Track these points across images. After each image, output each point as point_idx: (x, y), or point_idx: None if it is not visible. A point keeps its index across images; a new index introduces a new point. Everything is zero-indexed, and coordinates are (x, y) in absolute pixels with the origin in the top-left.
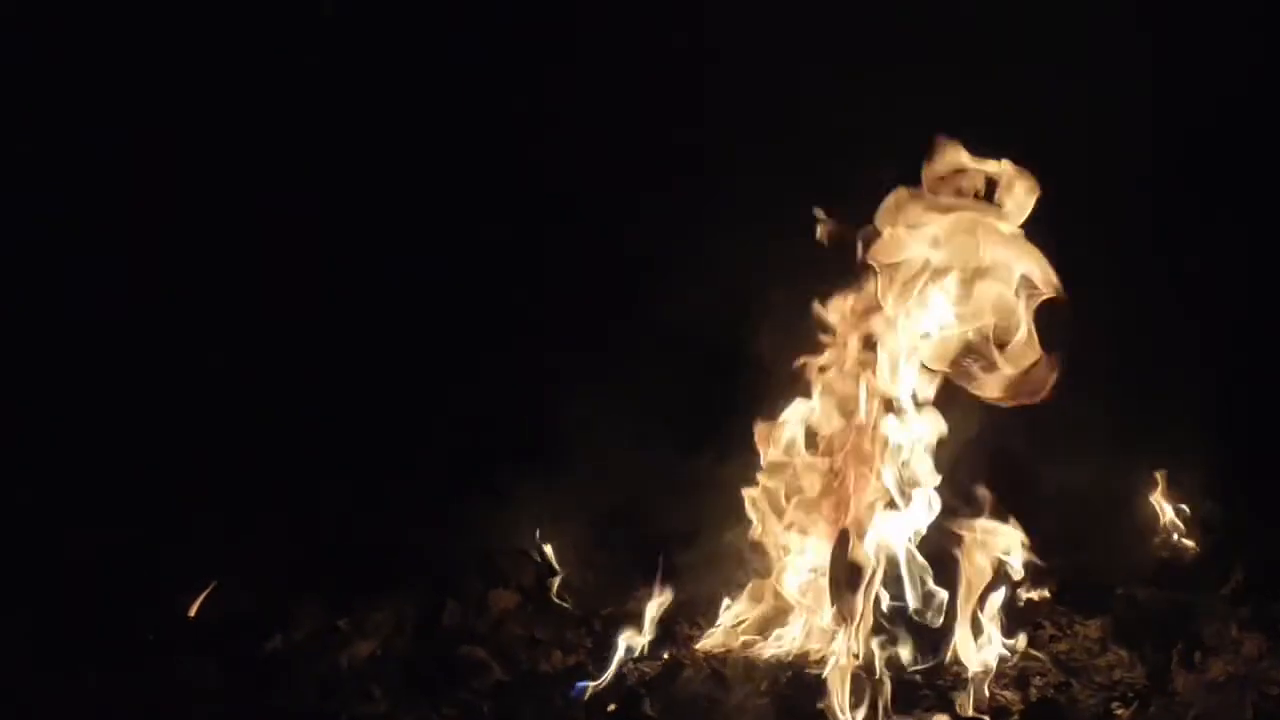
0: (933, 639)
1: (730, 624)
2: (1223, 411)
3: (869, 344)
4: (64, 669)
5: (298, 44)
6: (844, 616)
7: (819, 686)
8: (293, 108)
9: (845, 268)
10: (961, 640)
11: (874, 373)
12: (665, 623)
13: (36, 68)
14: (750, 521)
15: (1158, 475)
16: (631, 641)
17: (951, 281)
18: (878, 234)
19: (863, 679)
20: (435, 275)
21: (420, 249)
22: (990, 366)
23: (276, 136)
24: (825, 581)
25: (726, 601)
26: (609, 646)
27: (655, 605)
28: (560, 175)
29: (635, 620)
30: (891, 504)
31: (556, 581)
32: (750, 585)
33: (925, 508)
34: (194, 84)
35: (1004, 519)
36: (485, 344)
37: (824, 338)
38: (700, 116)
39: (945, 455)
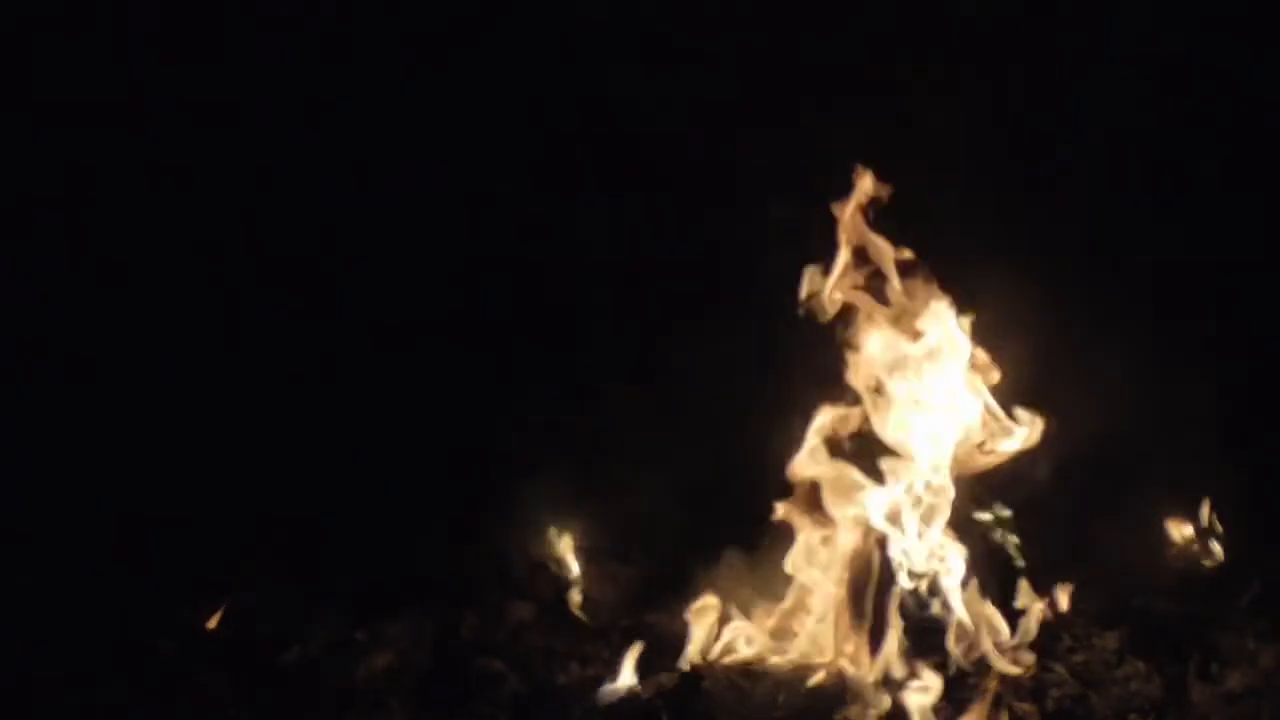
0: (951, 649)
1: (749, 636)
2: (1241, 422)
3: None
4: (80, 681)
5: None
6: (863, 628)
7: (838, 698)
8: (302, 106)
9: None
10: (981, 650)
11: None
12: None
13: (30, 65)
14: (771, 533)
15: (1175, 487)
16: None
17: None
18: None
19: (882, 690)
20: (453, 285)
21: (438, 256)
22: None
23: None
24: (845, 593)
25: (746, 613)
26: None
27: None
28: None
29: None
30: (912, 514)
31: (574, 593)
32: (769, 597)
33: (945, 518)
34: (203, 83)
35: (1021, 530)
36: (504, 354)
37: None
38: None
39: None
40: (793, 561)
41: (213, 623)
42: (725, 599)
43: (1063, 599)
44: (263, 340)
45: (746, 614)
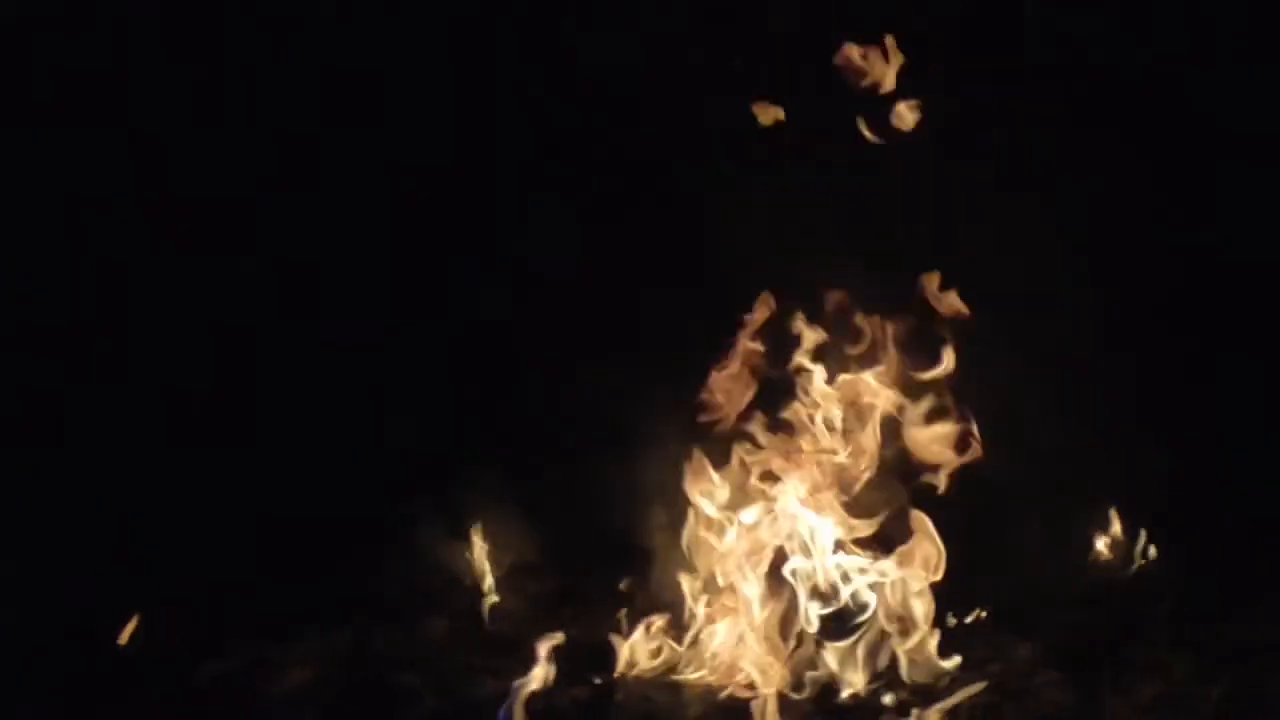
0: (863, 662)
1: (662, 649)
2: (1156, 434)
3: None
4: None
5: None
6: (777, 641)
7: (748, 710)
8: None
9: None
10: (893, 663)
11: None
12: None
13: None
14: (681, 545)
15: (1090, 499)
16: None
17: None
18: None
19: (792, 703)
20: (362, 301)
21: (354, 271)
22: None
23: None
24: (759, 606)
25: (657, 626)
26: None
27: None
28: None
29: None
30: (821, 526)
31: (488, 608)
32: (680, 609)
33: (855, 529)
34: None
35: (932, 540)
36: (418, 369)
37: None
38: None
39: (874, 475)
40: (707, 575)
41: (126, 640)
42: (639, 611)
43: (978, 609)
44: (173, 355)
45: (660, 627)
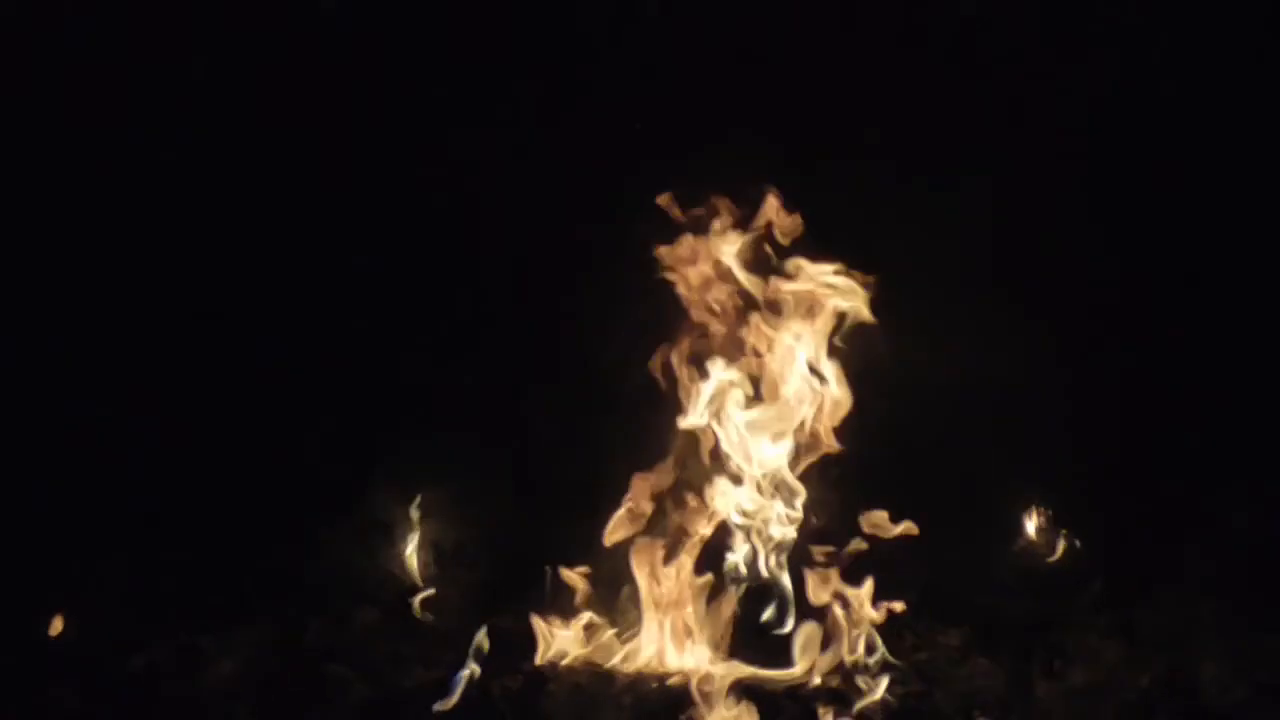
0: (793, 649)
1: (594, 638)
2: (1081, 420)
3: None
4: None
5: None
6: (708, 631)
7: (681, 698)
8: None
9: None
10: (823, 650)
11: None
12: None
13: None
14: (611, 536)
15: (1018, 485)
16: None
17: None
18: None
19: (725, 690)
20: (293, 295)
21: (287, 260)
22: None
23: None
24: (685, 593)
25: (587, 615)
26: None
27: None
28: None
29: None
30: (752, 515)
31: (419, 598)
32: (610, 598)
33: (786, 518)
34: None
35: (858, 529)
36: (347, 364)
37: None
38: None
39: (804, 465)
40: (639, 565)
41: (55, 632)
42: (571, 601)
43: (907, 597)
44: (103, 344)
45: (592, 616)
